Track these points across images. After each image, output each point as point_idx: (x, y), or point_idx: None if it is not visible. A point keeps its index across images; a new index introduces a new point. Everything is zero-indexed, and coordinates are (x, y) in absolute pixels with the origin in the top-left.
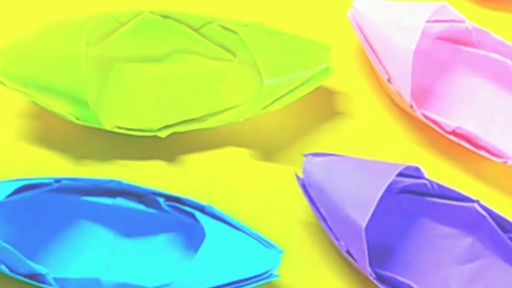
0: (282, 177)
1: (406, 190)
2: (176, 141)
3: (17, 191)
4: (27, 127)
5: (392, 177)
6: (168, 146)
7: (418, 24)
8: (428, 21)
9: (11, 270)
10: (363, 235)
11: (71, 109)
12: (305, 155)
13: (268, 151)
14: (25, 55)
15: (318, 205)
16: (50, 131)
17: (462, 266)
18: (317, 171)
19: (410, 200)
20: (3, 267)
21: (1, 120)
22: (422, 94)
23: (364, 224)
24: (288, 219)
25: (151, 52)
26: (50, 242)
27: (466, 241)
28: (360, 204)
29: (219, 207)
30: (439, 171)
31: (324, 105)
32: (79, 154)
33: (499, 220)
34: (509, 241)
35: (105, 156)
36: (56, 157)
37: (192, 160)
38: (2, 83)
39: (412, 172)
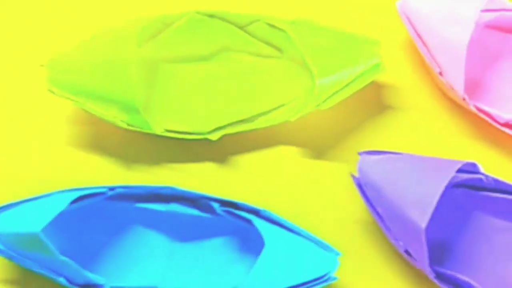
0: (337, 176)
1: (461, 184)
2: (226, 142)
3: (72, 202)
4: (77, 134)
5: (450, 176)
6: (218, 148)
7: (470, 16)
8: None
9: (69, 281)
10: (423, 236)
11: (122, 115)
12: (360, 154)
13: (321, 149)
14: (74, 62)
15: (375, 204)
16: (100, 137)
17: None
18: (373, 170)
19: (465, 194)
20: (62, 279)
21: (51, 126)
22: (474, 85)
23: (424, 225)
24: (344, 219)
25: (198, 52)
26: (106, 250)
27: None
28: (419, 204)
29: (273, 208)
30: (493, 163)
31: (374, 101)
32: (130, 159)
33: None
34: None
35: (156, 160)
36: (107, 162)
37: (244, 161)
38: (51, 91)
39: (468, 167)
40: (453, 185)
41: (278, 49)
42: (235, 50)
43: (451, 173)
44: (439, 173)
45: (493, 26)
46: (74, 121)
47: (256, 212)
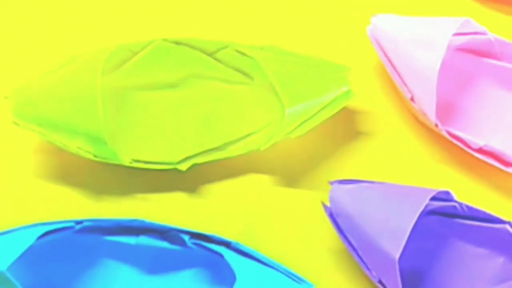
0: (308, 205)
1: (434, 212)
2: (196, 172)
3: (38, 237)
4: (44, 165)
5: (423, 205)
6: (188, 177)
7: (441, 41)
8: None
9: None
10: (396, 266)
11: (89, 147)
12: (331, 183)
13: (292, 178)
14: (39, 94)
15: (347, 234)
16: (67, 169)
17: (494, 287)
18: (345, 200)
19: (439, 222)
20: None
21: (17, 159)
22: (446, 108)
23: (397, 256)
24: (317, 249)
25: (166, 79)
26: (75, 285)
27: (497, 262)
28: (392, 234)
29: (244, 237)
30: (467, 189)
31: (346, 127)
32: (98, 190)
33: None
34: None
35: (125, 191)
36: (75, 194)
37: (214, 190)
38: (16, 124)
39: (442, 195)
40: (426, 213)
41: (248, 75)
42: (203, 77)
43: (424, 203)
44: (412, 202)
45: (465, 49)
46: (41, 153)
47: (227, 244)
